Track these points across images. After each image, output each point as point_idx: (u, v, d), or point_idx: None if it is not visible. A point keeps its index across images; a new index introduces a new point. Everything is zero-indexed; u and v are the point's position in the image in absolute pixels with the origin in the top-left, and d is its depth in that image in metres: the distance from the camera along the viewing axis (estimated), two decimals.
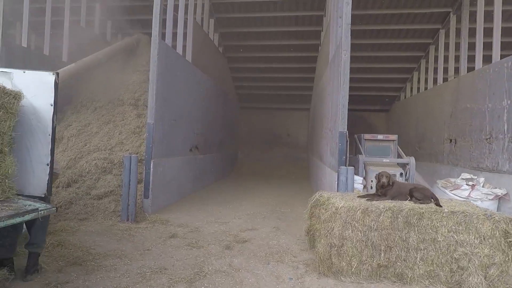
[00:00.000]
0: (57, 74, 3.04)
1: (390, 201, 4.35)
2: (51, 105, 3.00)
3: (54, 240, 4.62)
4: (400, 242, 3.99)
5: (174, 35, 8.53)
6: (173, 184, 8.46)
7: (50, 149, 2.98)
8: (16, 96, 2.81)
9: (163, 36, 7.67)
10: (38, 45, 12.02)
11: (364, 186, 7.42)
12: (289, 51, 13.92)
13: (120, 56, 11.59)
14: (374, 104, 16.97)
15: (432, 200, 4.30)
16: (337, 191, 5.92)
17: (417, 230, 3.97)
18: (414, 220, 3.98)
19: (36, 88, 2.94)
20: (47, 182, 3.04)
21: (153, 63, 7.20)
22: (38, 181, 3.03)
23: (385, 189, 4.53)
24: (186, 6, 9.30)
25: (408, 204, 4.14)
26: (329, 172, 7.64)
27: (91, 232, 5.51)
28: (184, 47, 9.21)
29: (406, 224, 4.00)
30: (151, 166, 7.09)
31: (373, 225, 4.04)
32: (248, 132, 18.73)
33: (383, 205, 4.11)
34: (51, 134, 2.99)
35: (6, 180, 2.74)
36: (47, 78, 3.00)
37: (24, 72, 3.06)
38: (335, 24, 8.15)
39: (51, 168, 3.07)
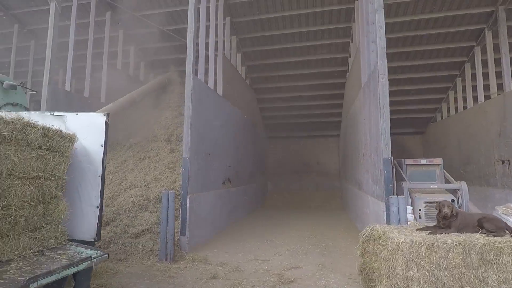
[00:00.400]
0: (108, 115, 3.05)
1: (456, 234, 3.89)
2: (102, 146, 2.98)
3: (96, 284, 4.48)
4: (477, 283, 3.47)
5: (206, 70, 8.74)
6: (208, 220, 8.26)
7: (100, 191, 2.92)
8: (71, 139, 2.82)
9: (196, 72, 7.85)
10: (78, 88, 12.77)
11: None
12: (316, 79, 13.91)
13: (153, 94, 12.03)
14: (408, 127, 16.32)
15: (507, 231, 3.80)
16: (388, 223, 5.46)
17: (496, 268, 3.46)
18: (491, 257, 3.48)
19: (87, 130, 2.95)
20: (96, 226, 2.95)
21: (187, 98, 7.33)
22: (87, 224, 2.96)
23: (448, 220, 4.07)
24: (216, 43, 9.60)
25: (480, 238, 3.65)
26: (373, 201, 7.17)
27: (131, 274, 5.34)
28: (215, 81, 9.39)
29: (482, 262, 3.50)
30: (188, 202, 6.98)
31: (442, 263, 3.57)
32: (277, 162, 18.48)
33: (451, 240, 3.65)
34: (101, 176, 2.94)
35: (59, 226, 2.67)
36: (99, 120, 3.01)
37: (77, 114, 3.10)
38: (366, 49, 8.04)
39: (101, 210, 2.99)
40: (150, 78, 13.87)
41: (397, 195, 5.74)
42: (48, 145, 2.61)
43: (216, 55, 9.60)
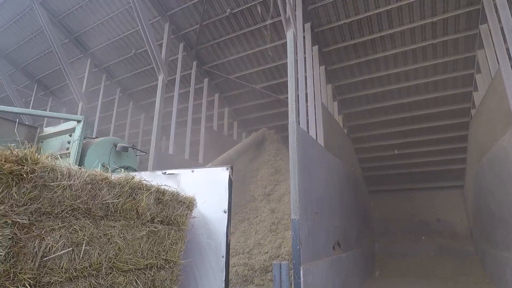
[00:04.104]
0: (231, 168, 2.30)
1: None
2: (225, 212, 2.19)
3: None
4: None
5: (306, 122, 8.03)
6: None
7: (224, 276, 2.04)
8: (190, 204, 2.09)
9: (298, 122, 7.14)
10: (178, 152, 13.45)
11: None
12: (428, 120, 11.94)
13: (248, 152, 11.77)
14: None
15: None
16: None
17: None
18: None
19: (207, 190, 2.22)
20: None
21: (292, 150, 6.51)
22: None
23: None
24: (314, 92, 8.99)
25: None
26: None
27: None
28: (316, 131, 8.54)
29: None
30: (301, 275, 5.70)
31: None
32: (383, 220, 15.86)
33: None
34: (225, 256, 2.08)
35: None
36: (221, 175, 2.28)
37: (192, 171, 2.44)
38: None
39: None
40: (243, 137, 13.91)
41: None
42: (163, 216, 1.89)
43: (314, 105, 8.90)
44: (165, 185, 2.25)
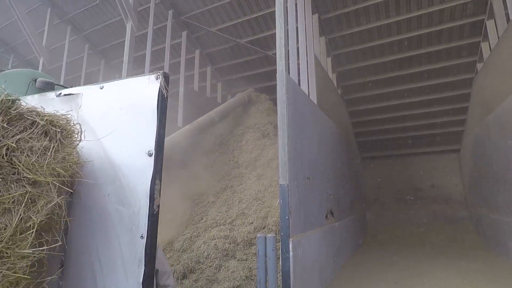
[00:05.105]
0: (165, 77, 1.28)
1: None
2: (150, 156, 1.20)
3: None
4: None
5: (297, 74, 6.88)
6: (315, 270, 5.96)
7: (142, 274, 1.06)
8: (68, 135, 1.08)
9: (288, 71, 6.00)
10: None
11: None
12: (425, 79, 10.93)
13: (233, 115, 10.63)
14: None
15: None
16: None
17: None
18: None
19: (122, 118, 1.21)
20: None
21: (281, 104, 5.43)
22: None
23: None
24: (306, 41, 7.76)
25: None
26: None
27: None
28: (308, 87, 7.43)
29: None
30: (290, 248, 4.84)
31: None
32: (376, 187, 15.27)
33: None
34: (146, 236, 1.08)
35: None
36: (146, 91, 1.27)
37: (102, 87, 1.41)
38: None
39: None
40: (229, 99, 12.68)
41: None
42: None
43: (307, 56, 7.71)
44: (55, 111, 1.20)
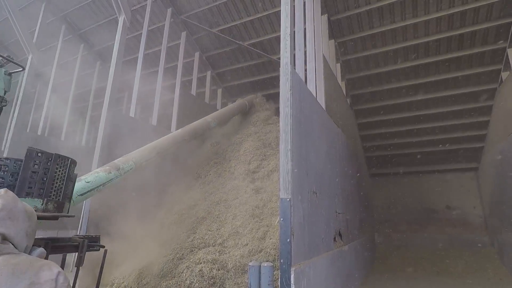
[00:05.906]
0: None
1: None
2: None
3: None
4: None
5: (304, 72, 6.00)
6: None
7: None
8: None
9: (293, 64, 5.12)
10: (144, 116, 11.59)
11: None
12: (445, 89, 10.02)
13: (231, 121, 9.75)
14: None
15: None
16: None
17: None
18: None
19: None
20: None
21: (284, 101, 4.52)
22: None
23: None
24: (314, 42, 6.93)
25: None
26: None
27: None
28: (316, 88, 6.54)
29: None
30: (292, 280, 3.82)
31: None
32: (385, 207, 14.14)
33: None
34: None
35: None
36: None
37: None
38: None
39: None
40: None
41: None
42: None
43: (315, 56, 6.86)
44: None
